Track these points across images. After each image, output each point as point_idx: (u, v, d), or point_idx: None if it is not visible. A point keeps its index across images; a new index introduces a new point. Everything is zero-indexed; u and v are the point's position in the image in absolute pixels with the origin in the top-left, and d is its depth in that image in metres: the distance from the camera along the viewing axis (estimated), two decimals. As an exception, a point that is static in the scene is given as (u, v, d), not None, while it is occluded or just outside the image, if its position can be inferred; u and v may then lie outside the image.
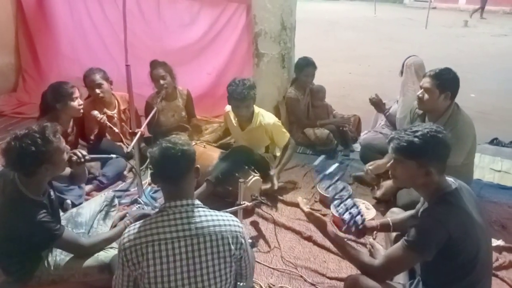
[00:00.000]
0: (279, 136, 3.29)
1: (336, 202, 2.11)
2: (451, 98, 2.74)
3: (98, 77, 3.49)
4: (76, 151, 2.28)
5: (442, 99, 2.71)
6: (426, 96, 2.75)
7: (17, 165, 1.90)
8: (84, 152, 2.30)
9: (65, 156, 2.09)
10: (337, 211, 2.11)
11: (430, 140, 1.74)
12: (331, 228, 2.08)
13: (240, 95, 3.07)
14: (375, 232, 2.28)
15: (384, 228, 2.26)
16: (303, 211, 2.11)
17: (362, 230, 2.16)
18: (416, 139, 1.75)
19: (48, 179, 2.12)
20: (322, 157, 2.18)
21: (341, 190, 2.10)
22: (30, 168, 1.92)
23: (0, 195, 2.01)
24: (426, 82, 2.74)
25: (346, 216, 2.09)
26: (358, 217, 2.11)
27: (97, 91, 3.48)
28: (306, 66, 4.11)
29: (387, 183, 3.11)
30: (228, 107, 3.34)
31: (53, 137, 1.96)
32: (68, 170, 2.37)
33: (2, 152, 1.91)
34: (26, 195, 1.97)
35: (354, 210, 2.10)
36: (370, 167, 3.09)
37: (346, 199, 2.10)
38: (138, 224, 1.64)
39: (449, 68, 2.76)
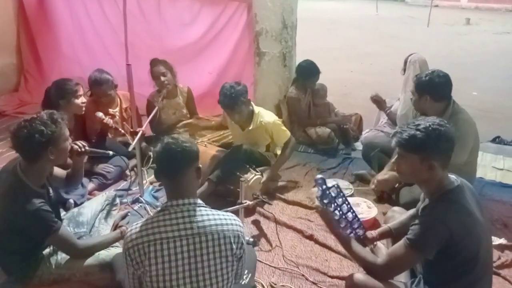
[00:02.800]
0: (279, 135, 3.29)
1: (337, 215, 2.07)
2: (437, 101, 2.71)
3: (106, 88, 3.49)
4: (77, 142, 2.32)
5: (423, 102, 2.72)
6: (413, 98, 2.80)
7: (25, 145, 1.95)
8: (84, 143, 2.34)
9: (68, 145, 2.14)
10: (339, 223, 2.10)
11: (432, 133, 1.73)
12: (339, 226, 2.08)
13: (229, 107, 3.13)
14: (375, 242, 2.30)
15: (386, 235, 2.26)
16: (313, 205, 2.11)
17: (363, 241, 2.16)
18: (417, 132, 1.74)
19: (49, 168, 2.15)
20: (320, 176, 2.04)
21: (336, 197, 2.04)
22: (37, 150, 1.96)
23: (1, 187, 2.04)
24: (411, 84, 2.81)
25: (348, 231, 2.10)
26: (359, 230, 2.12)
27: (103, 99, 3.52)
28: (314, 76, 4.13)
29: (390, 174, 3.07)
30: None
31: (61, 120, 2.06)
32: (64, 172, 2.41)
33: (11, 133, 1.97)
34: (26, 184, 1.99)
35: (355, 223, 2.10)
36: (373, 186, 3.10)
37: (347, 212, 2.08)
38: (140, 223, 1.65)
39: (433, 71, 2.73)
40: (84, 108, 3.20)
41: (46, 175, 2.14)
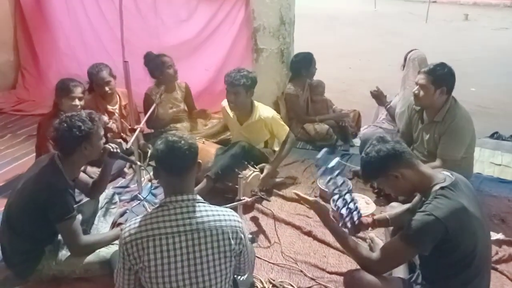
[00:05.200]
0: (279, 129, 3.29)
1: (335, 196, 2.11)
2: (447, 93, 2.74)
3: (106, 74, 3.51)
4: (110, 144, 2.45)
5: (438, 94, 2.72)
6: (421, 92, 2.76)
7: (63, 137, 2.13)
8: (117, 146, 2.45)
9: (101, 144, 2.30)
10: (335, 205, 2.11)
11: (369, 160, 1.88)
12: (332, 219, 2.09)
13: (229, 79, 3.10)
14: (370, 228, 2.30)
15: (382, 223, 2.27)
16: (307, 200, 2.13)
17: (358, 226, 2.17)
18: (363, 164, 1.94)
19: (82, 163, 2.32)
20: (324, 150, 2.18)
21: (341, 185, 2.10)
22: (73, 143, 2.14)
23: (37, 168, 2.18)
24: (421, 78, 2.75)
25: (344, 211, 2.10)
26: (355, 213, 2.13)
27: (106, 88, 3.52)
28: (309, 64, 4.13)
29: None
30: (224, 102, 3.34)
31: (98, 120, 2.25)
32: (89, 179, 2.52)
33: (54, 127, 2.17)
34: (61, 171, 2.16)
35: (352, 206, 2.11)
36: None
37: (345, 194, 2.10)
38: (138, 218, 1.65)
39: (444, 63, 2.75)
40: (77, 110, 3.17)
41: (78, 170, 2.33)
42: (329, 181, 2.10)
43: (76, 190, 2.41)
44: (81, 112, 2.23)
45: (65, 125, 2.13)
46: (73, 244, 2.17)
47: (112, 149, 2.38)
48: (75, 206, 2.53)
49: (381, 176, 1.89)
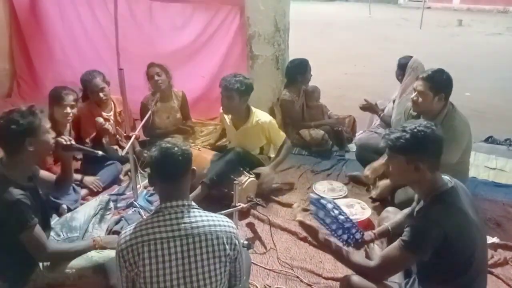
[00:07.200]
0: (275, 135, 3.30)
1: (329, 222, 2.12)
2: (445, 99, 2.75)
3: (100, 81, 3.51)
4: (62, 136, 2.29)
5: (436, 100, 2.72)
6: (420, 99, 2.76)
7: (2, 136, 1.96)
8: (70, 138, 2.30)
9: (49, 138, 2.11)
10: (335, 233, 2.11)
11: (418, 136, 1.75)
12: (323, 235, 2.09)
13: (224, 83, 3.11)
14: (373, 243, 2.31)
15: (384, 234, 2.26)
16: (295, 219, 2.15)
17: (361, 244, 2.17)
18: (404, 134, 1.77)
19: (32, 162, 2.13)
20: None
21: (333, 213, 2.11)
22: (14, 140, 1.97)
23: None
24: (419, 85, 2.75)
25: (344, 237, 2.10)
26: (357, 233, 2.12)
27: (101, 95, 3.51)
28: (304, 70, 4.16)
29: (383, 183, 3.11)
30: None
31: (39, 113, 2.05)
32: (52, 176, 2.39)
33: None
34: (8, 178, 1.97)
35: (341, 218, 2.10)
36: (368, 172, 3.09)
37: (338, 215, 2.10)
38: (133, 224, 1.66)
39: (442, 69, 2.77)
40: (69, 118, 3.15)
41: (30, 169, 2.13)
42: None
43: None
44: (21, 106, 2.03)
45: (2, 121, 1.94)
46: (39, 253, 2.05)
47: (65, 142, 2.22)
48: (58, 220, 2.50)
49: (407, 155, 1.76)
